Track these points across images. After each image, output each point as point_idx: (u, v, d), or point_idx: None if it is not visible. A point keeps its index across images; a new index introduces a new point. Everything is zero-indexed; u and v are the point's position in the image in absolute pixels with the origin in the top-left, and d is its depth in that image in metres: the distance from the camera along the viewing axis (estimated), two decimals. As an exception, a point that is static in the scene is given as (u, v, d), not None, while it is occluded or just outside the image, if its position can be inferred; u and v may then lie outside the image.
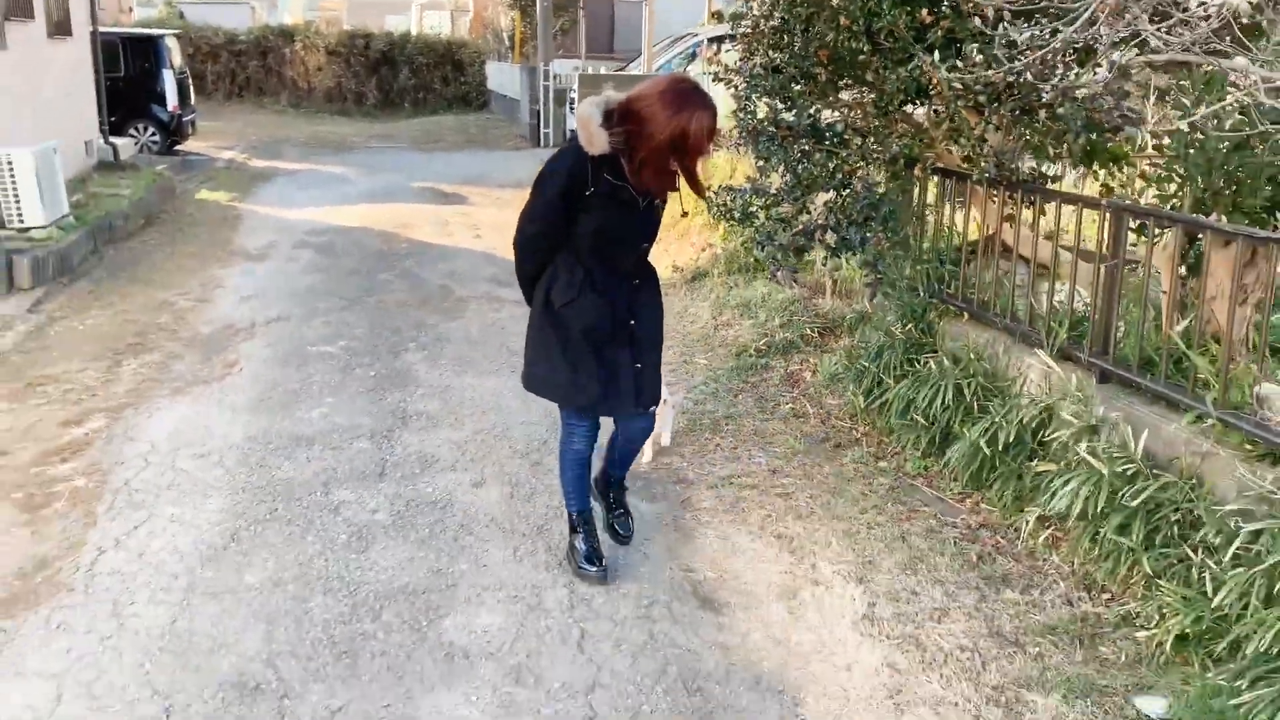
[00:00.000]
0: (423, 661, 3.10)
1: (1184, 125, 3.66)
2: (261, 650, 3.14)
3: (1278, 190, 3.58)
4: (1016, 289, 4.57)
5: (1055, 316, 4.28)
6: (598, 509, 3.81)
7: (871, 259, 4.98)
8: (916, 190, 5.27)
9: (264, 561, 3.68)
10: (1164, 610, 3.20)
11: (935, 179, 5.08)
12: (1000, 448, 4.10)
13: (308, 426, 4.98)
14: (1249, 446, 3.31)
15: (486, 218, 11.28)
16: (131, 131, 14.90)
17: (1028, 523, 3.87)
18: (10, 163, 7.92)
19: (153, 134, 15.54)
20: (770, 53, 5.23)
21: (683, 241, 8.97)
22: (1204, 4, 3.20)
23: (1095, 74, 4.06)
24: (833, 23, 4.67)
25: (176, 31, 18.04)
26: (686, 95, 3.08)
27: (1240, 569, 2.96)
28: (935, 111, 4.88)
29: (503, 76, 23.95)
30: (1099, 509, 3.48)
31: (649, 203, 3.28)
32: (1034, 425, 4.05)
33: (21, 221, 7.99)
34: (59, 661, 3.08)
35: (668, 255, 8.61)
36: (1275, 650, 2.81)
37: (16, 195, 7.98)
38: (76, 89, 11.70)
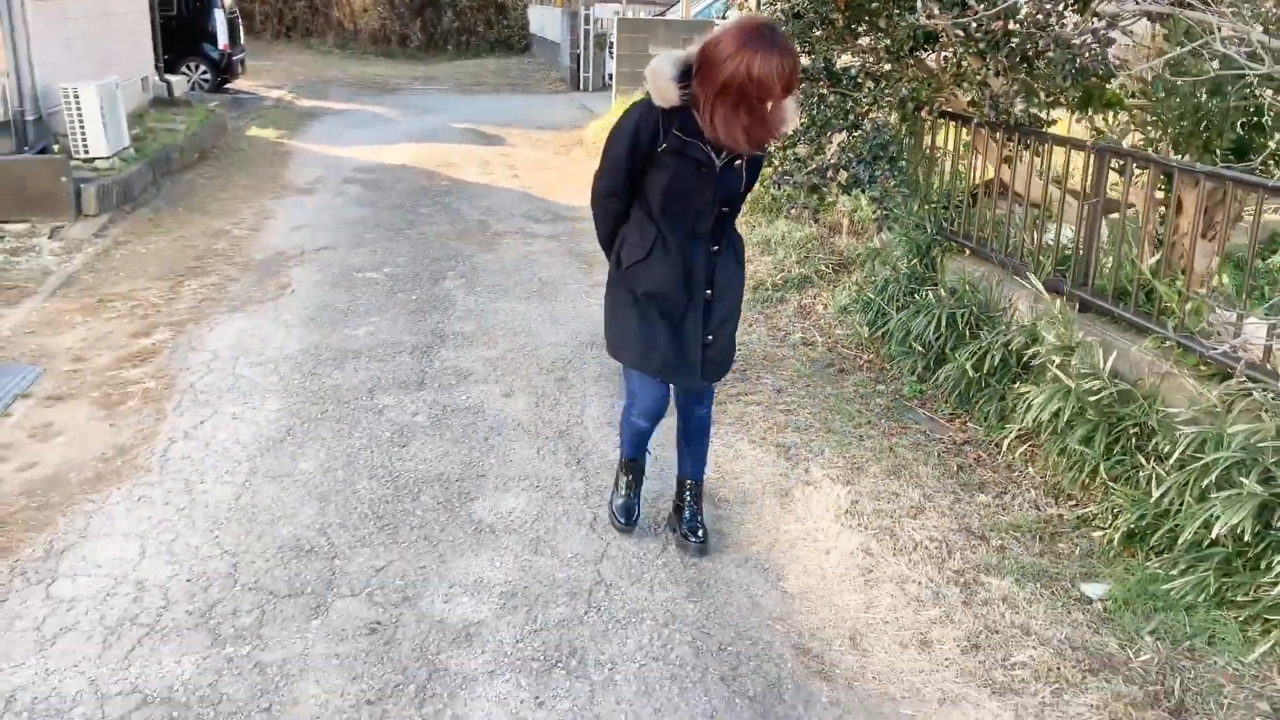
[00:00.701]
0: (455, 534, 3.55)
1: (1166, 72, 3.96)
2: (315, 521, 3.61)
3: (1245, 133, 3.86)
4: (1012, 226, 4.89)
5: (1044, 251, 4.61)
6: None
7: (879, 195, 5.29)
8: (928, 131, 5.57)
9: (316, 452, 4.15)
10: (1115, 510, 3.57)
11: (941, 121, 5.37)
12: (986, 371, 4.46)
13: (355, 342, 5.43)
14: (1202, 367, 3.64)
15: (524, 158, 11.64)
16: (183, 70, 15.35)
17: (1008, 439, 4.23)
18: (76, 96, 8.39)
19: (204, 72, 16.00)
20: (792, -1, 5.52)
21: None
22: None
23: (1091, 23, 4.36)
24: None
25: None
26: (754, 34, 2.84)
27: (1180, 472, 3.31)
28: (944, 57, 5.17)
29: (544, 20, 24.12)
30: (1066, 421, 3.84)
31: (728, 162, 3.04)
32: (1019, 350, 4.39)
33: (86, 152, 8.48)
34: (141, 526, 3.57)
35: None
36: (1204, 541, 3.18)
37: (82, 127, 8.46)
38: (134, 27, 12.12)
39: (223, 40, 15.96)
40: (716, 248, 3.19)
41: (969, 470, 4.17)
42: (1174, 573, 3.23)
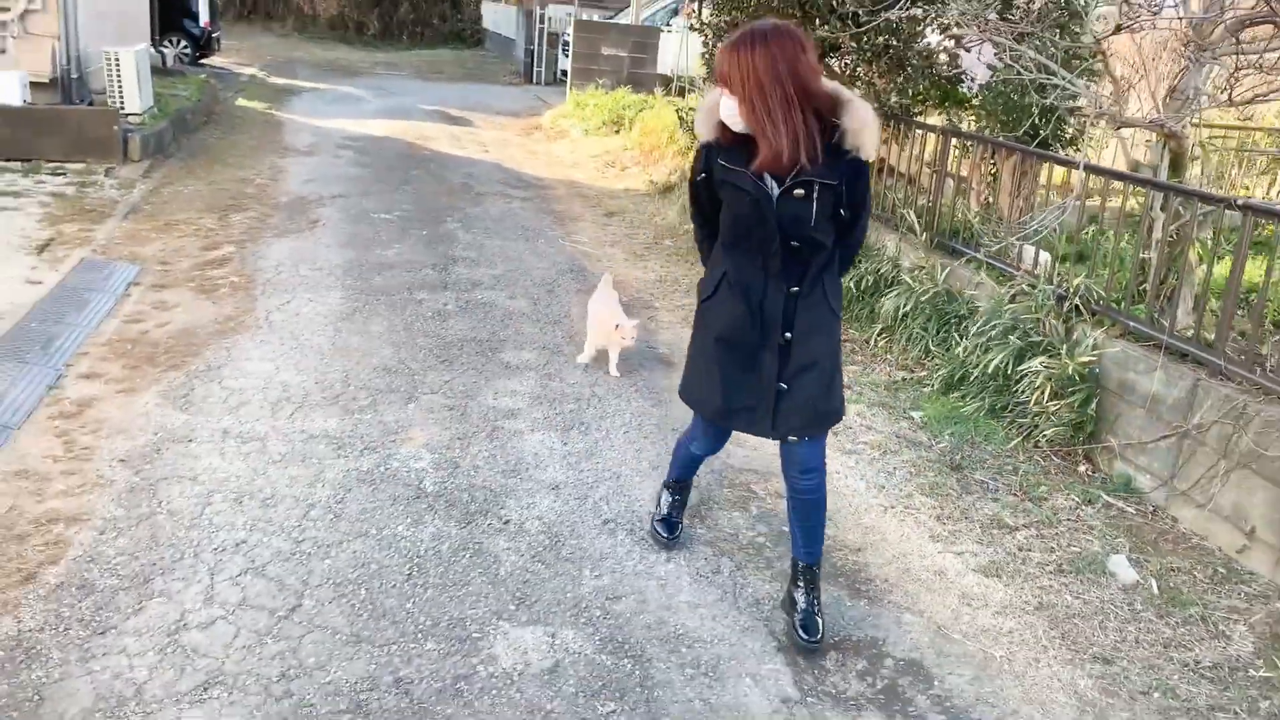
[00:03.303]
0: (492, 368, 5.15)
1: (993, 81, 5.74)
2: (394, 357, 5.18)
3: (1040, 122, 5.64)
4: (886, 193, 6.64)
5: (908, 207, 6.37)
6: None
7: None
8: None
9: (380, 322, 5.70)
10: (937, 369, 5.31)
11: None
12: (863, 289, 6.20)
13: (386, 259, 6.97)
14: (1001, 278, 5.41)
15: (491, 137, 13.18)
16: (165, 44, 16.50)
17: (873, 335, 5.96)
18: (117, 59, 9.73)
19: (184, 47, 17.16)
20: (733, 12, 7.22)
21: (658, 165, 10.96)
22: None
23: (943, 43, 6.12)
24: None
25: (206, -46, 19.53)
26: (737, 38, 2.78)
27: (975, 339, 5.07)
28: (844, 63, 6.91)
29: (499, 16, 25.60)
30: (911, 315, 5.59)
31: (788, 189, 2.79)
32: (886, 274, 6.13)
33: (123, 108, 9.81)
34: (270, 355, 5.09)
35: (645, 174, 10.63)
36: (985, 379, 4.92)
37: (120, 86, 9.81)
38: (136, 3, 13.37)
39: (204, 18, 17.16)
40: (796, 289, 2.92)
41: (846, 356, 5.88)
42: (967, 399, 4.98)
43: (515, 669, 2.90)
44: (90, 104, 9.55)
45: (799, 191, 2.78)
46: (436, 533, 3.57)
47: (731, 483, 4.21)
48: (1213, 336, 4.19)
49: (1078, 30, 5.80)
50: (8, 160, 8.55)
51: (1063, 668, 3.16)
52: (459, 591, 3.24)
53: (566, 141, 13.29)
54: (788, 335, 2.92)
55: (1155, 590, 3.61)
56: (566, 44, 17.98)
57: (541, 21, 19.88)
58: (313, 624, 3.02)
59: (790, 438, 3.04)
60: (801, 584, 3.21)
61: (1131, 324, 4.49)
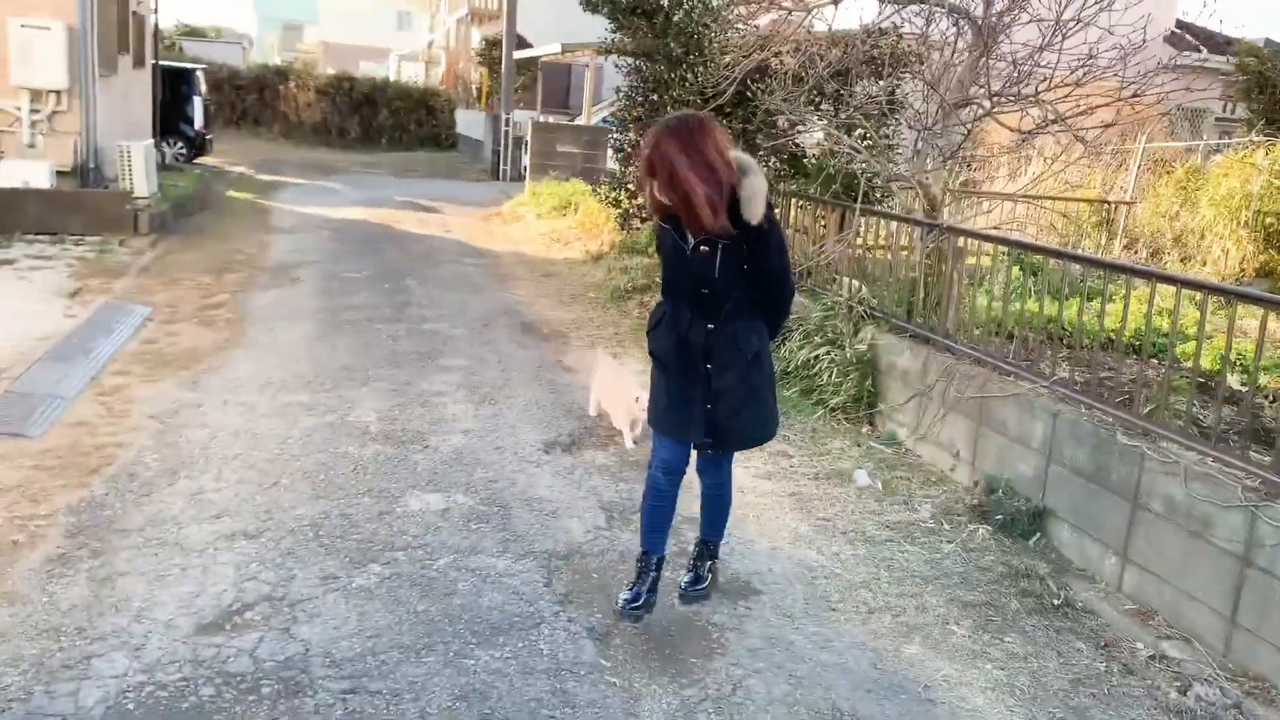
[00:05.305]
0: (430, 369, 6.73)
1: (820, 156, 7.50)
2: (353, 361, 6.75)
3: (851, 188, 7.36)
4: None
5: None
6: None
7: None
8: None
9: (343, 343, 7.29)
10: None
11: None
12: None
13: (352, 303, 8.59)
14: (817, 298, 7.05)
15: (456, 221, 14.96)
16: (165, 144, 18.37)
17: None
18: (129, 152, 11.49)
19: (180, 147, 19.02)
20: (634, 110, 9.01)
21: (595, 240, 12.70)
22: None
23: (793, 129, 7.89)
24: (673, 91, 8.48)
25: (205, 66, 21.61)
26: (653, 131, 3.37)
27: (795, 341, 6.69)
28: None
29: (470, 121, 27.80)
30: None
31: (696, 248, 3.34)
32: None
33: (133, 192, 11.52)
34: (257, 360, 6.65)
35: (581, 244, 12.39)
36: (798, 369, 6.51)
37: (130, 174, 11.55)
38: (144, 106, 15.23)
39: (199, 122, 19.08)
40: (711, 327, 3.42)
41: (714, 366, 7.48)
42: (789, 386, 6.57)
43: (421, 510, 4.43)
44: (105, 188, 11.23)
45: (704, 248, 3.34)
46: (376, 451, 5.11)
47: (595, 432, 5.75)
48: (939, 325, 5.82)
49: (895, 119, 7.63)
50: (39, 233, 10.21)
51: (794, 522, 4.70)
52: (388, 477, 4.77)
53: (521, 224, 15.07)
54: (708, 365, 3.45)
55: (880, 488, 5.16)
56: (527, 144, 19.95)
57: (507, 125, 21.95)
58: (288, 490, 4.55)
59: (718, 451, 3.66)
60: (697, 551, 3.90)
61: (894, 321, 6.13)
